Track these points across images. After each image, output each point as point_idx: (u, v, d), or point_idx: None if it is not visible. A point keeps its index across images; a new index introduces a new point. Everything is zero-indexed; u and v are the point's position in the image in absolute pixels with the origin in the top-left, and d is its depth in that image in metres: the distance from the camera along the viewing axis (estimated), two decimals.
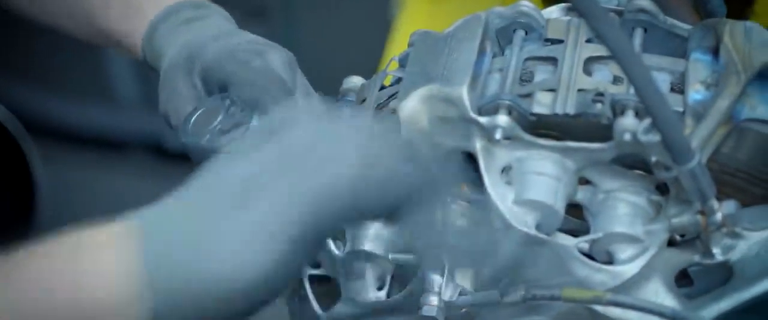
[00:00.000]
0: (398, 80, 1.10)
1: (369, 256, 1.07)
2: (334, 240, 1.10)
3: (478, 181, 1.01)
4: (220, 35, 1.09)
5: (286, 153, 0.80)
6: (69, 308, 0.74)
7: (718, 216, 0.96)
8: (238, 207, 0.78)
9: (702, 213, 0.97)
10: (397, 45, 1.71)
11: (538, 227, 0.99)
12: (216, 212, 0.78)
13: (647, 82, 0.88)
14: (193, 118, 1.03)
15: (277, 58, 1.07)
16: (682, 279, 1.03)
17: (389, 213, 0.85)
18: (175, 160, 2.54)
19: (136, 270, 0.75)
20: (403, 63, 1.10)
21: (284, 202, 0.78)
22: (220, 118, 1.02)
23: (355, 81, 1.17)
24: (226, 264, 0.76)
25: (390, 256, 1.07)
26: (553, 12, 1.09)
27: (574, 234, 1.02)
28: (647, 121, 0.93)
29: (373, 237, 1.07)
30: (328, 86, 1.18)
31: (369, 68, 1.19)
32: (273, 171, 0.79)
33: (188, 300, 0.76)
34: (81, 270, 0.75)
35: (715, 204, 0.95)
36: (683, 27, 1.05)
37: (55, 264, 0.75)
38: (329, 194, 0.79)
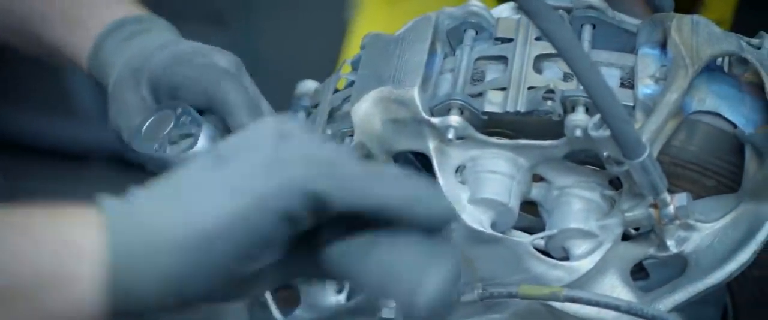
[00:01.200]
0: (351, 83, 1.10)
1: None
2: None
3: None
4: (165, 44, 1.09)
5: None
6: (29, 269, 0.72)
7: (671, 208, 0.97)
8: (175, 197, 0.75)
9: (655, 206, 0.97)
10: (354, 47, 1.71)
11: (493, 225, 1.00)
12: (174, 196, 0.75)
13: (594, 78, 0.89)
14: (144, 127, 1.03)
15: (223, 58, 1.07)
16: (639, 273, 1.04)
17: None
18: (137, 172, 2.53)
19: (93, 228, 0.73)
20: (355, 66, 1.11)
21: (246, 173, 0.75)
22: (170, 126, 1.01)
23: (309, 85, 1.17)
24: (185, 214, 0.73)
25: None
26: (503, 11, 1.10)
27: (530, 231, 1.03)
28: (597, 117, 0.93)
29: None
30: (290, 90, 1.18)
31: (330, 71, 1.19)
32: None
33: (142, 248, 0.72)
34: (40, 231, 0.73)
35: (667, 197, 0.96)
36: (632, 22, 1.06)
37: (14, 231, 0.73)
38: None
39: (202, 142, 1.01)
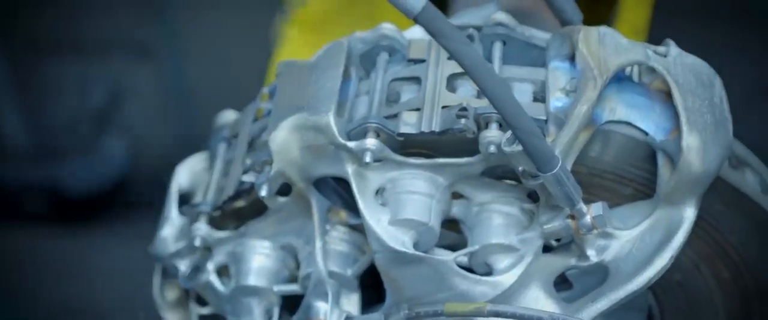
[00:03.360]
0: (269, 112, 1.10)
1: (254, 291, 1.07)
2: (219, 276, 1.10)
3: (354, 205, 1.02)
4: None
5: None
6: None
7: (588, 218, 0.98)
8: None
9: (572, 217, 0.98)
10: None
11: (415, 245, 1.00)
12: None
13: (502, 95, 0.90)
14: None
15: None
16: (562, 283, 1.05)
17: None
18: (72, 207, 2.51)
19: None
20: (272, 94, 1.11)
21: None
22: None
23: (229, 115, 1.17)
24: None
25: (275, 288, 1.08)
26: (416, 32, 1.11)
27: (454, 248, 1.03)
28: (510, 132, 0.95)
29: (257, 271, 1.08)
30: None
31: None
32: None
33: None
34: None
35: (583, 207, 0.97)
36: (542, 37, 1.08)
37: None
38: None
39: None
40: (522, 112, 0.91)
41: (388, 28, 1.08)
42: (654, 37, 1.12)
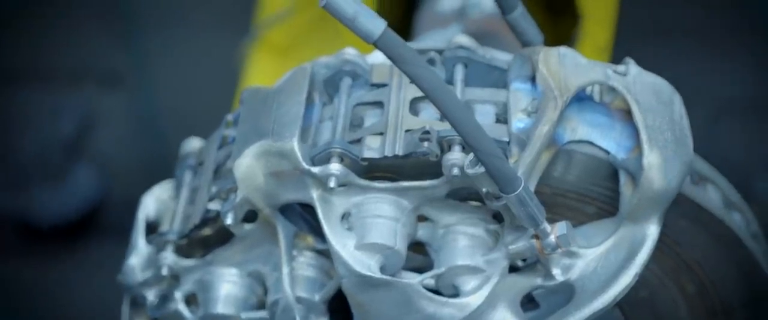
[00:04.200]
0: (233, 139, 1.10)
1: (222, 318, 1.07)
2: (188, 305, 1.10)
3: (320, 231, 1.02)
4: None
5: None
6: None
7: (552, 238, 0.98)
8: None
9: (536, 237, 0.99)
10: None
11: (382, 269, 1.01)
12: None
13: (462, 117, 0.91)
14: None
15: None
16: (529, 303, 1.05)
17: None
18: (42, 237, 2.50)
19: None
20: (236, 121, 1.11)
21: None
22: None
23: (194, 144, 1.17)
24: None
25: (243, 316, 1.08)
26: (378, 56, 1.11)
27: (421, 271, 1.04)
28: (472, 155, 0.95)
29: (224, 298, 1.08)
30: None
31: None
32: None
33: None
34: None
35: (547, 227, 0.98)
36: (503, 58, 1.09)
37: None
38: None
39: None
40: (483, 134, 0.92)
41: (350, 53, 1.08)
42: (618, 55, 1.13)
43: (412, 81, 0.90)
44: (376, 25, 0.88)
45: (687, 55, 2.45)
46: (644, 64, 1.05)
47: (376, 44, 0.88)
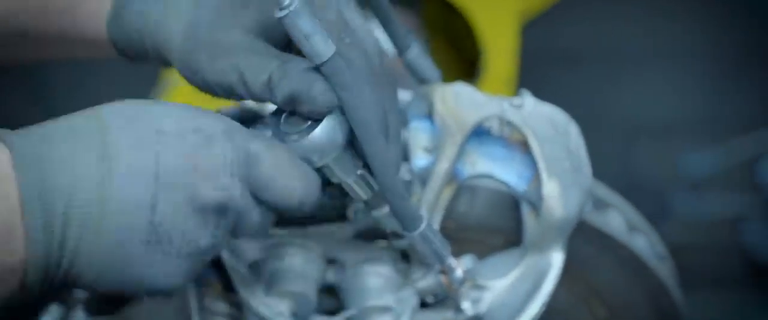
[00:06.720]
0: None
1: None
2: None
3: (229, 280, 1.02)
4: None
5: None
6: None
7: (459, 272, 1.00)
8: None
9: (444, 272, 1.00)
10: None
11: (294, 315, 1.01)
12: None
13: (383, 157, 0.90)
14: (283, 118, 0.95)
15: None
16: None
17: None
18: None
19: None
20: None
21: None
22: (305, 126, 0.92)
23: None
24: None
25: None
26: (272, 106, 1.11)
27: (334, 313, 1.04)
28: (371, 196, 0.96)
29: None
30: None
31: None
32: None
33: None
34: None
35: (452, 262, 0.99)
36: (402, 98, 1.10)
37: None
38: None
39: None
40: (394, 173, 0.93)
41: (249, 103, 1.09)
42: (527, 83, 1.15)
43: (344, 110, 0.89)
44: (328, 48, 0.88)
45: (596, 79, 2.49)
46: (554, 89, 1.06)
47: (323, 66, 0.88)
